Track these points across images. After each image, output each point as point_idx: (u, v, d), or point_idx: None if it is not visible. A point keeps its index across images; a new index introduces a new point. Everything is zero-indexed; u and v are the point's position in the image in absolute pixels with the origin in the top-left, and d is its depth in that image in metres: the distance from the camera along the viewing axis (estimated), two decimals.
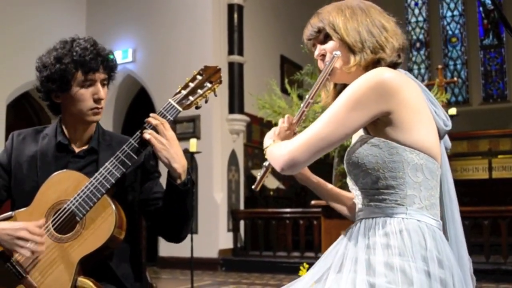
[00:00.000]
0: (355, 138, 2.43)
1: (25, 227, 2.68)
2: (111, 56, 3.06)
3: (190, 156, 8.69)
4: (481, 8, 21.44)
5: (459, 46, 21.68)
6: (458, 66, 21.62)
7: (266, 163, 2.64)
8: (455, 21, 21.93)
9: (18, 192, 3.01)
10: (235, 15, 13.62)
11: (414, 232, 2.19)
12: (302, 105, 2.60)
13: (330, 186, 2.86)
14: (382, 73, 2.24)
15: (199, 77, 2.91)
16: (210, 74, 2.93)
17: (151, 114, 2.85)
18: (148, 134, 2.78)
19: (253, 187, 2.78)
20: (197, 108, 2.94)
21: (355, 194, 2.47)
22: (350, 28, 2.40)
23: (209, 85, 2.91)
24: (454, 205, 2.43)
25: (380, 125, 2.28)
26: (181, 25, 13.43)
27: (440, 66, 13.20)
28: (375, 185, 2.29)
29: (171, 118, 2.85)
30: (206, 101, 2.95)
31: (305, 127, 2.44)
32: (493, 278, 9.45)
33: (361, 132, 2.42)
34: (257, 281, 10.70)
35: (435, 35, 21.97)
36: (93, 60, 2.93)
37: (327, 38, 2.49)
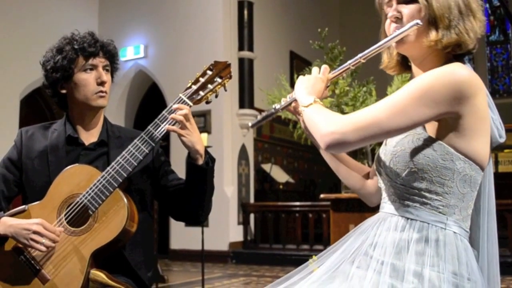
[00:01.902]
0: None
1: (41, 223, 2.70)
2: (110, 43, 3.11)
3: None
4: (487, 5, 21.32)
5: None
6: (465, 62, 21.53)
7: (276, 106, 2.48)
8: None
9: (30, 187, 3.01)
10: (245, 12, 13.62)
11: (450, 244, 2.06)
12: (350, 61, 2.31)
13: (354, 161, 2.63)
14: (461, 71, 2.02)
15: (209, 72, 2.92)
16: (220, 69, 2.93)
17: (172, 105, 2.86)
18: (171, 126, 2.81)
19: (250, 123, 2.69)
20: (207, 102, 2.95)
21: (385, 183, 2.28)
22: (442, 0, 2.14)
23: (219, 80, 2.91)
24: (492, 214, 2.25)
25: (442, 125, 2.09)
26: (192, 22, 13.43)
27: None
28: (418, 185, 2.12)
29: None
30: (216, 96, 2.96)
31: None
32: (500, 270, 9.39)
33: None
34: (267, 274, 10.70)
35: None
36: (92, 46, 3.00)
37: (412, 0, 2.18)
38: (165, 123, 2.83)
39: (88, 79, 2.99)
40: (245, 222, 13.21)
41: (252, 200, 13.79)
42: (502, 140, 2.20)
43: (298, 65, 15.27)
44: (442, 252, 2.05)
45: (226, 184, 12.77)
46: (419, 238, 2.09)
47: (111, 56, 3.11)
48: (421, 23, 2.12)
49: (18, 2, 12.34)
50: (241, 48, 13.52)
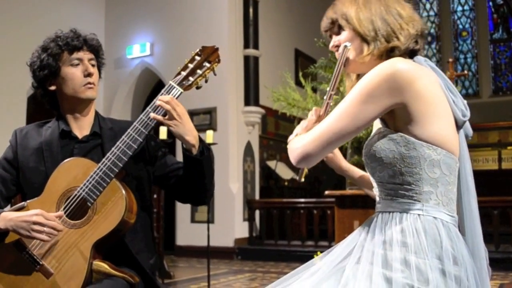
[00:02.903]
0: (373, 130, 2.37)
1: (40, 213, 2.69)
2: (94, 37, 3.13)
3: None
4: (490, 3, 21.34)
5: (470, 40, 21.58)
6: (469, 60, 21.52)
7: None
8: (466, 16, 21.82)
9: (29, 185, 3.00)
10: (251, 10, 13.62)
11: (430, 230, 2.13)
12: (325, 97, 2.53)
13: (359, 172, 2.83)
14: (394, 64, 2.15)
15: (197, 58, 2.93)
16: (208, 54, 2.94)
17: (158, 97, 2.88)
18: (158, 115, 2.82)
19: (297, 178, 2.78)
20: (197, 88, 2.96)
21: (374, 186, 2.40)
22: (363, 17, 2.32)
23: (208, 65, 2.92)
24: (472, 196, 2.32)
25: (396, 118, 2.20)
26: (198, 20, 13.43)
27: (451, 60, 13.10)
28: (392, 179, 2.23)
29: None
30: (206, 81, 2.96)
31: None
32: (503, 266, 9.41)
33: (379, 125, 2.33)
34: (272, 270, 10.70)
35: (446, 29, 21.85)
36: (75, 39, 3.03)
37: (341, 29, 2.42)
38: (156, 111, 2.85)
39: (75, 73, 3.01)
40: (250, 219, 13.22)
41: (257, 197, 13.80)
42: (466, 119, 2.30)
43: (303, 62, 15.26)
44: (423, 239, 2.12)
45: (231, 181, 12.78)
46: (401, 228, 2.17)
47: (95, 50, 3.12)
48: (348, 45, 2.37)
49: (25, 1, 12.37)
50: (246, 46, 13.51)
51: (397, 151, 2.18)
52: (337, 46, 2.45)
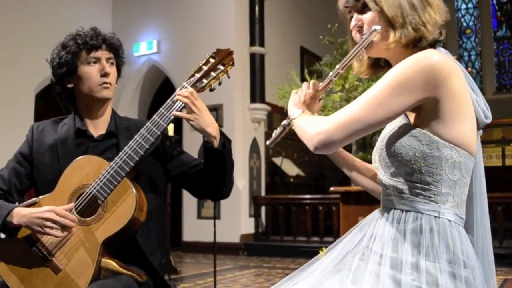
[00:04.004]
0: (393, 122, 2.22)
1: (53, 210, 2.70)
2: (113, 36, 3.13)
3: None
4: (494, 1, 21.32)
5: (473, 38, 21.57)
6: (473, 57, 21.51)
7: (285, 122, 2.53)
8: (470, 14, 21.81)
9: (42, 181, 3.02)
10: (257, 8, 13.59)
11: (443, 233, 2.07)
12: (331, 73, 2.38)
13: (354, 158, 2.71)
14: (432, 56, 2.04)
15: (212, 60, 2.92)
16: (222, 56, 2.93)
17: (177, 91, 2.85)
18: (178, 112, 2.81)
19: (267, 142, 2.70)
20: (211, 90, 2.95)
21: (381, 178, 2.29)
22: (391, 0, 2.18)
23: (222, 67, 2.91)
24: (484, 199, 2.26)
25: (423, 113, 2.10)
26: (204, 17, 13.44)
27: (455, 57, 13.14)
28: (408, 177, 2.14)
29: None
30: (219, 83, 2.96)
31: (326, 114, 2.33)
32: (507, 262, 9.38)
33: (400, 118, 2.19)
34: (278, 265, 10.70)
35: (450, 27, 21.80)
36: (94, 39, 3.03)
37: (365, 7, 2.26)
38: (170, 110, 2.83)
39: (91, 72, 3.01)
40: (256, 215, 13.22)
41: (263, 193, 13.79)
42: (488, 121, 2.20)
43: (308, 60, 15.26)
44: (436, 242, 2.06)
45: (237, 177, 12.73)
46: (414, 229, 2.10)
47: (115, 49, 3.12)
48: (378, 29, 2.21)
49: None
50: (252, 43, 13.50)
51: (419, 149, 2.09)
52: (360, 27, 2.31)
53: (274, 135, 2.61)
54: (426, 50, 2.11)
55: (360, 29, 2.31)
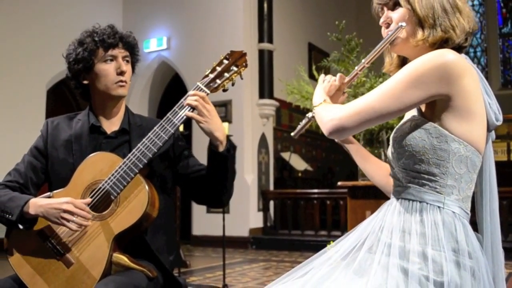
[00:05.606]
0: (407, 116, 2.31)
1: (71, 201, 2.69)
2: (130, 34, 3.14)
3: None
4: None
5: (479, 34, 21.49)
6: (478, 53, 21.44)
7: (309, 115, 2.57)
8: (475, 10, 21.72)
9: (56, 175, 3.02)
10: (265, 5, 13.60)
11: (448, 224, 2.11)
12: (356, 67, 2.46)
13: (368, 152, 2.78)
14: (447, 54, 2.10)
15: (225, 61, 2.92)
16: (236, 58, 2.94)
17: (189, 93, 2.86)
18: (190, 112, 2.81)
19: (292, 134, 2.74)
20: (224, 91, 2.95)
21: (392, 170, 2.37)
22: (425, 0, 2.24)
23: (235, 68, 2.92)
24: (494, 199, 2.30)
25: (435, 108, 2.16)
26: (214, 14, 13.47)
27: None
28: (417, 167, 2.19)
29: None
30: (233, 84, 2.96)
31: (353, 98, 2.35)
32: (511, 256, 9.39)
33: (413, 112, 2.27)
34: (286, 259, 10.71)
35: None
36: (111, 37, 3.03)
37: (397, 5, 2.32)
38: (183, 110, 2.83)
39: (108, 69, 3.01)
40: (265, 209, 13.25)
41: (271, 188, 13.81)
42: (499, 123, 2.26)
43: (316, 56, 15.26)
44: (441, 231, 2.11)
45: (246, 172, 12.79)
46: (420, 219, 2.16)
47: (131, 47, 3.12)
48: (404, 26, 2.27)
49: None
50: (261, 40, 13.52)
51: (428, 142, 2.15)
52: (388, 23, 2.38)
53: (299, 126, 2.66)
54: (443, 49, 2.17)
55: (388, 25, 2.38)
